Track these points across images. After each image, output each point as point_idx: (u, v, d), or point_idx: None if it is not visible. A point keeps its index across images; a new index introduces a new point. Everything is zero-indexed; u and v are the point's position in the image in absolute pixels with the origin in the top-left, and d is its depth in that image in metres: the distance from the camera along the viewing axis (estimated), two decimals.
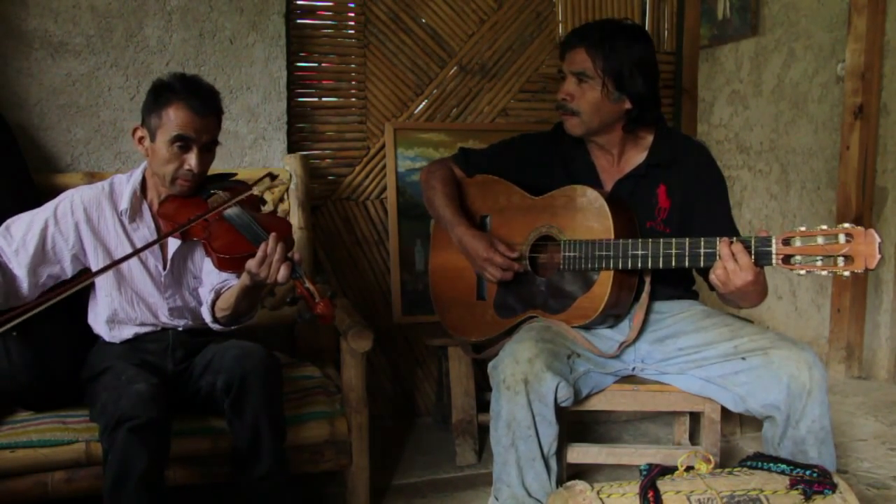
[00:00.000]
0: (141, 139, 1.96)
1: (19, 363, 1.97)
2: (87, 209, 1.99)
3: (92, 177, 2.38)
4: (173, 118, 1.88)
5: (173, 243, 2.02)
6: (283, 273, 1.75)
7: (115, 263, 1.86)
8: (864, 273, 1.69)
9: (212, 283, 1.99)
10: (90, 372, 1.97)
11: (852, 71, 3.38)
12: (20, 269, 1.90)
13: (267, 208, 2.49)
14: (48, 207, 1.98)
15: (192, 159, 1.91)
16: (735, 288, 1.70)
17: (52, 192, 2.26)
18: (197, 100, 1.89)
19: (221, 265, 1.86)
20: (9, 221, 1.95)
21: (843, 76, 3.45)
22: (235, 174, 2.17)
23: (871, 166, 3.40)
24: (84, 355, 2.05)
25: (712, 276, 1.73)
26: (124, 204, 2.00)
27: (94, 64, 2.50)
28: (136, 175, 2.04)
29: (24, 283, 1.91)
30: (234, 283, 1.91)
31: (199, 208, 1.93)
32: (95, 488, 1.79)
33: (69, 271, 1.98)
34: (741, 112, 4.04)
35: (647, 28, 3.28)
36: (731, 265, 1.68)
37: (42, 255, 1.93)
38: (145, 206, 2.04)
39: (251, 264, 1.77)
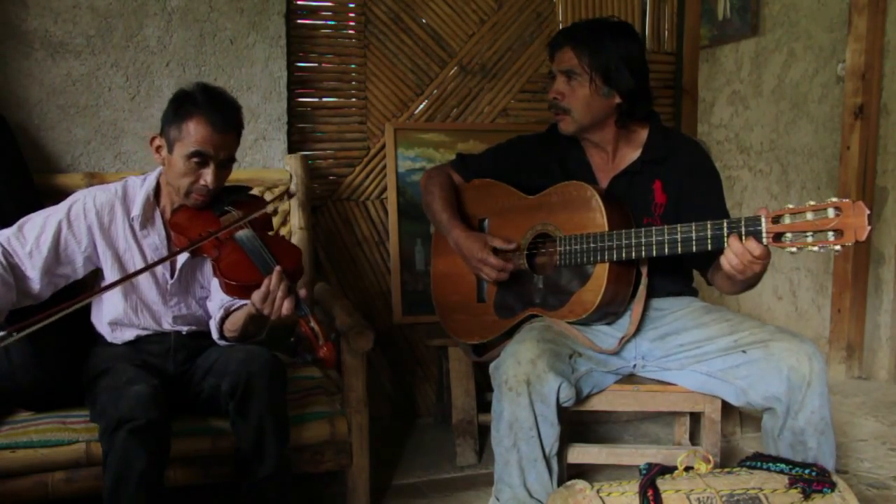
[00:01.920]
0: (158, 148, 1.93)
1: (19, 363, 1.97)
2: (99, 213, 1.97)
3: (92, 177, 2.38)
4: (193, 133, 1.85)
5: (182, 255, 2.01)
6: (286, 309, 1.75)
7: (127, 278, 1.86)
8: (855, 245, 1.67)
9: (221, 298, 1.97)
10: (90, 373, 1.96)
11: (852, 71, 3.38)
12: (33, 270, 1.89)
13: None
14: (61, 208, 1.96)
15: (208, 175, 1.88)
16: (752, 273, 1.70)
17: (52, 192, 2.26)
18: (218, 115, 1.87)
19: (229, 291, 1.84)
20: (21, 221, 1.93)
21: (843, 76, 3.45)
22: (251, 188, 2.15)
23: (871, 166, 3.40)
24: (84, 356, 2.04)
25: (727, 267, 1.70)
26: (136, 210, 1.98)
27: (94, 64, 2.50)
28: (151, 181, 2.01)
29: (37, 283, 1.90)
30: (242, 304, 1.90)
31: (210, 223, 1.90)
32: (95, 489, 1.79)
33: (81, 272, 1.98)
34: (741, 112, 4.03)
35: (647, 28, 3.29)
36: (747, 259, 1.67)
37: (55, 257, 1.92)
38: (157, 214, 2.01)
39: (255, 298, 1.76)
